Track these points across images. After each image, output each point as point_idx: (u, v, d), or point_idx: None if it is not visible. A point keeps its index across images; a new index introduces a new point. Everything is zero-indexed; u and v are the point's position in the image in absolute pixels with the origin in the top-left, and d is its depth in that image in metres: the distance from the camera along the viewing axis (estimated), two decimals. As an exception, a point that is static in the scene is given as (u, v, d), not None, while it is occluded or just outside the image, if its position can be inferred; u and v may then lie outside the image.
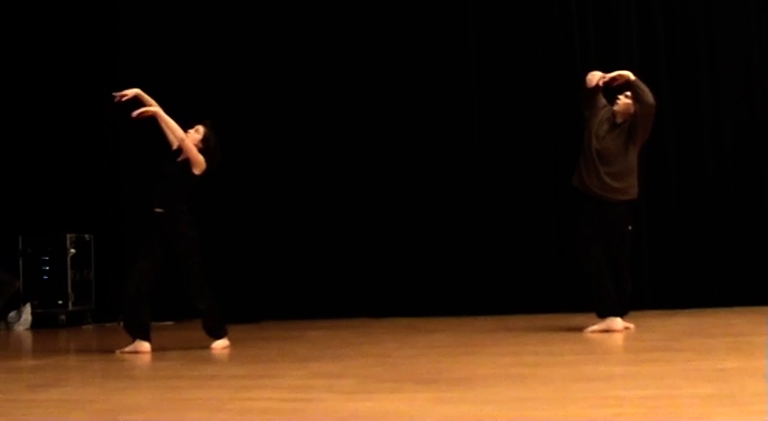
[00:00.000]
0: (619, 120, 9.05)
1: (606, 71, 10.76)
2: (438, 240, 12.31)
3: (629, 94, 9.05)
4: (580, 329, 9.05)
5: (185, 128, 8.96)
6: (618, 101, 9.10)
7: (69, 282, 13.03)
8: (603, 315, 8.96)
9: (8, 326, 12.79)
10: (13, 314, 12.89)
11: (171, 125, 8.86)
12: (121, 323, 9.36)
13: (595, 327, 8.90)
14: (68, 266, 13.07)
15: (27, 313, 12.88)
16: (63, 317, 13.05)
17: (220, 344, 8.93)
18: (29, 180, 13.70)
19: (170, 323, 12.13)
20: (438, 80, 12.50)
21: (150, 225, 9.03)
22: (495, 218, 12.14)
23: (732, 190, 11.60)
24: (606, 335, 8.71)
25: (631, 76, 8.94)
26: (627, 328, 8.95)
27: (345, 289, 12.41)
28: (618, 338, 8.48)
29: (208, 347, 8.85)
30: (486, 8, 12.42)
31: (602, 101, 9.22)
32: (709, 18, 11.76)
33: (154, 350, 8.81)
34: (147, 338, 8.86)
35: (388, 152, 12.54)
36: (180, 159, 8.93)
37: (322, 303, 12.37)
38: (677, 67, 11.81)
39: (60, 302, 13.02)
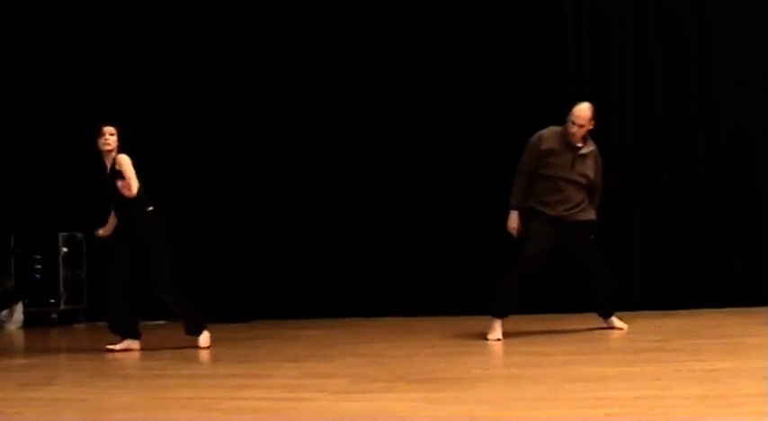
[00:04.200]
0: (578, 143, 8.82)
1: (598, 74, 10.82)
2: (430, 240, 12.30)
3: (579, 114, 8.82)
4: (572, 330, 9.05)
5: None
6: (572, 122, 8.80)
7: (61, 280, 13.03)
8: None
9: (0, 325, 12.78)
10: (4, 313, 12.89)
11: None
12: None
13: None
14: (60, 265, 13.07)
15: (19, 312, 12.88)
16: (55, 315, 13.05)
17: (204, 340, 8.93)
18: (21, 179, 13.70)
19: (162, 322, 12.12)
20: (430, 82, 12.49)
21: (119, 228, 9.05)
22: (487, 218, 12.12)
23: (724, 191, 11.59)
24: (598, 335, 8.70)
25: None
26: (621, 329, 8.97)
27: (337, 288, 12.40)
28: (610, 339, 8.47)
29: (198, 347, 8.85)
30: (479, 10, 12.41)
31: (541, 143, 8.87)
32: (701, 22, 11.76)
33: (145, 349, 8.80)
34: (136, 336, 8.90)
35: (380, 152, 12.53)
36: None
37: (314, 303, 12.37)
38: (670, 66, 11.80)
39: (52, 301, 13.02)
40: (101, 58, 13.73)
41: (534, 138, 8.95)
